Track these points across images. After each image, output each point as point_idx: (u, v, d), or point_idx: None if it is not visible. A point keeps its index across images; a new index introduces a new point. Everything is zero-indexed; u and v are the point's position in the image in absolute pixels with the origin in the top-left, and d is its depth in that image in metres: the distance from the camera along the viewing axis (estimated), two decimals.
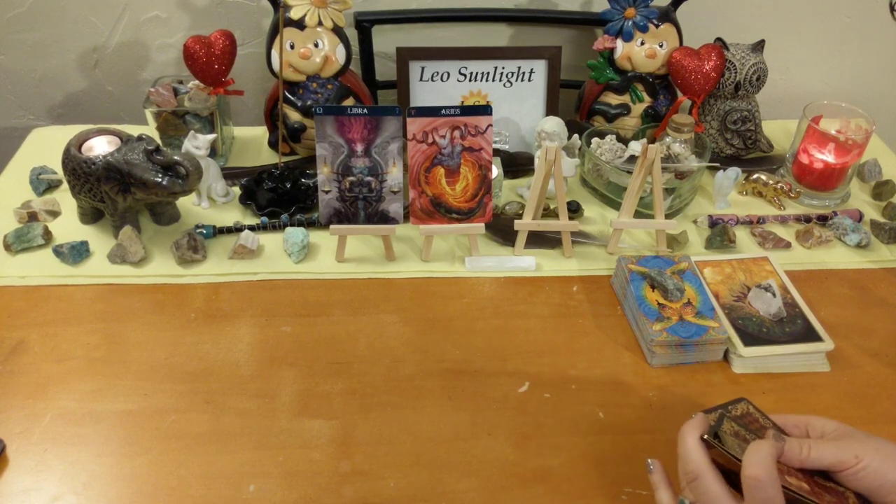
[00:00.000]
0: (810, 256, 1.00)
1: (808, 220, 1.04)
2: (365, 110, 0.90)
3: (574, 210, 1.04)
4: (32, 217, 0.99)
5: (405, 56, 1.10)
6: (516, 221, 0.96)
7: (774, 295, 0.87)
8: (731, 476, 0.56)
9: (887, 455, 0.55)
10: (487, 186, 0.94)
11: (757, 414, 0.62)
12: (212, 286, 0.91)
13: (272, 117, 1.12)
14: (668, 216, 1.00)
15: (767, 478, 0.52)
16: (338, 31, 1.06)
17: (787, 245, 1.00)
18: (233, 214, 1.03)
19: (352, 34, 1.12)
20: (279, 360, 0.82)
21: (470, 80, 1.13)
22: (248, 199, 1.03)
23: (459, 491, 0.70)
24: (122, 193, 0.91)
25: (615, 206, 1.05)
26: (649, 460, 0.62)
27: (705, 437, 0.57)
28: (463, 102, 1.14)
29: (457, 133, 0.92)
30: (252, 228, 0.98)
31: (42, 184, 1.05)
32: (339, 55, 1.07)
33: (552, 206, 1.02)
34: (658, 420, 0.77)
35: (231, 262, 0.95)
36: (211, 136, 0.99)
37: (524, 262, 0.96)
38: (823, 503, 0.54)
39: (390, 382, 0.80)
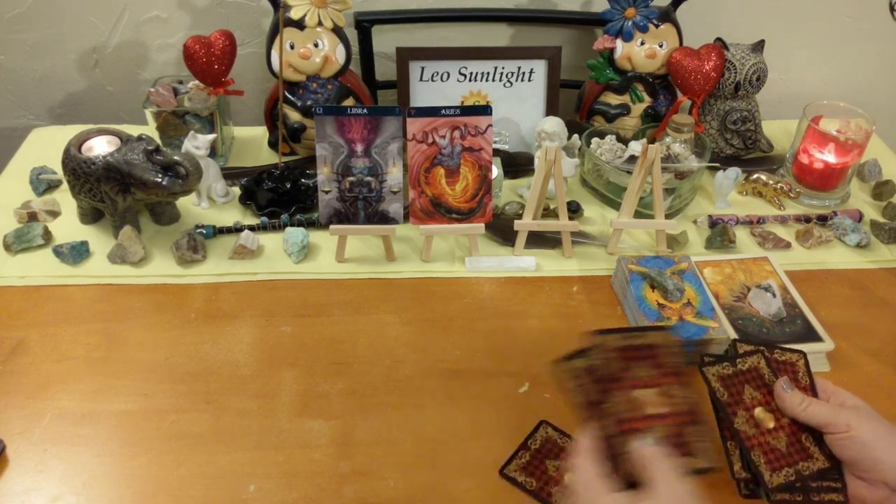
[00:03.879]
0: (810, 256, 1.00)
1: (808, 220, 1.04)
2: (365, 110, 0.90)
3: (574, 210, 1.04)
4: (32, 217, 0.99)
5: (405, 56, 1.10)
6: (516, 221, 0.96)
7: (774, 295, 0.87)
8: None
9: (880, 436, 0.60)
10: (487, 186, 0.94)
11: (801, 368, 0.67)
12: (212, 286, 0.91)
13: (272, 117, 1.12)
14: (668, 216, 1.00)
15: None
16: (338, 31, 1.06)
17: (787, 245, 1.00)
18: (233, 214, 1.03)
19: (352, 34, 1.12)
20: (279, 360, 0.82)
21: (470, 80, 1.13)
22: (248, 199, 1.03)
23: (459, 491, 0.70)
24: (122, 193, 0.91)
25: (615, 206, 1.05)
26: None
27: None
28: (463, 102, 1.14)
29: (457, 133, 0.92)
30: (252, 228, 0.98)
31: (42, 184, 1.05)
32: (339, 55, 1.06)
33: (552, 206, 1.02)
34: None
35: (231, 262, 0.95)
36: (211, 136, 0.99)
37: (524, 262, 0.96)
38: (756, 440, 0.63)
39: (390, 382, 0.80)
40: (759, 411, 0.64)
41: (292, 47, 1.04)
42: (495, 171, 1.00)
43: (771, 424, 0.64)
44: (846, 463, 0.62)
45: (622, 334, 0.62)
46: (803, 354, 0.68)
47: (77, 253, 0.93)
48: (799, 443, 0.63)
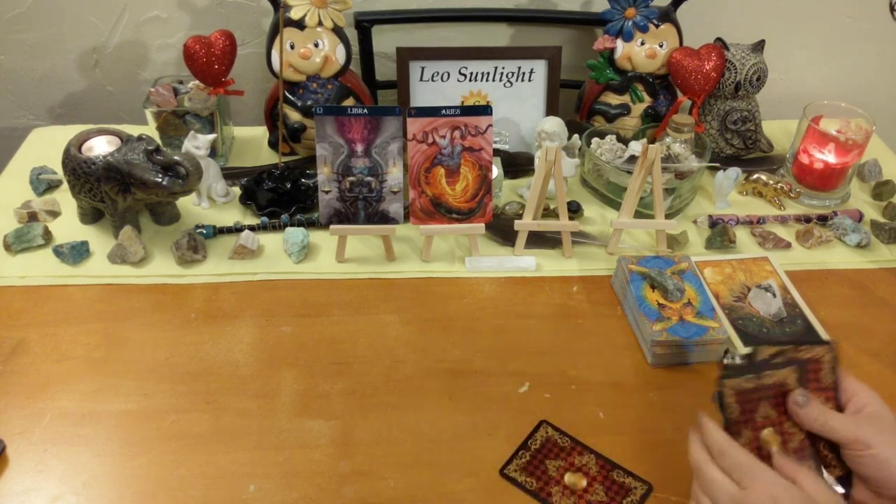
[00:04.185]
0: (810, 256, 1.00)
1: (808, 220, 1.04)
2: (365, 110, 0.90)
3: (574, 210, 1.04)
4: (32, 217, 0.99)
5: (405, 56, 1.10)
6: (516, 221, 0.96)
7: (774, 295, 0.87)
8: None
9: None
10: (487, 186, 0.94)
11: (825, 364, 0.62)
12: (212, 286, 0.91)
13: (272, 117, 1.12)
14: (668, 216, 1.00)
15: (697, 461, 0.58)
16: (338, 31, 1.06)
17: (787, 245, 1.00)
18: (233, 214, 1.03)
19: (352, 34, 1.12)
20: (279, 360, 0.82)
21: (470, 80, 1.13)
22: (248, 199, 1.03)
23: (459, 491, 0.70)
24: (122, 193, 0.91)
25: (615, 206, 1.05)
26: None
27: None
28: (463, 102, 1.14)
29: (457, 133, 0.92)
30: (252, 228, 0.98)
31: (42, 184, 1.05)
32: (339, 55, 1.07)
33: (552, 206, 1.02)
34: (658, 420, 0.77)
35: (231, 262, 0.95)
36: (211, 136, 0.99)
37: (524, 262, 0.96)
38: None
39: (390, 382, 0.80)
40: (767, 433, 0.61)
41: (292, 47, 1.04)
42: (495, 171, 1.00)
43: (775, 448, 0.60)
44: (862, 478, 0.58)
45: (744, 377, 0.60)
46: (832, 348, 0.62)
47: (77, 253, 0.93)
48: (823, 455, 0.60)
